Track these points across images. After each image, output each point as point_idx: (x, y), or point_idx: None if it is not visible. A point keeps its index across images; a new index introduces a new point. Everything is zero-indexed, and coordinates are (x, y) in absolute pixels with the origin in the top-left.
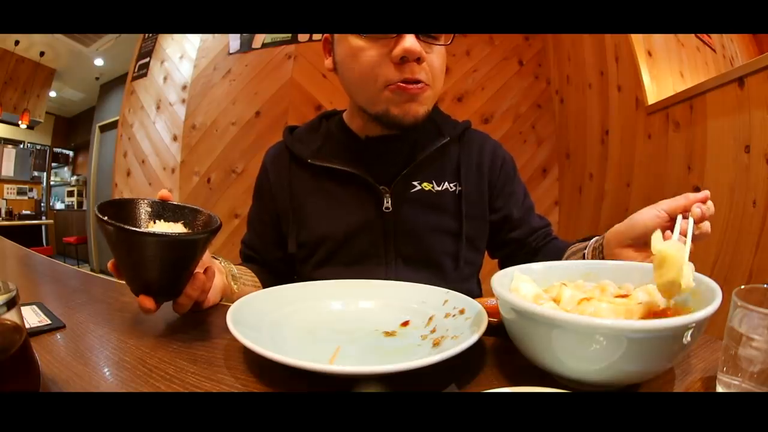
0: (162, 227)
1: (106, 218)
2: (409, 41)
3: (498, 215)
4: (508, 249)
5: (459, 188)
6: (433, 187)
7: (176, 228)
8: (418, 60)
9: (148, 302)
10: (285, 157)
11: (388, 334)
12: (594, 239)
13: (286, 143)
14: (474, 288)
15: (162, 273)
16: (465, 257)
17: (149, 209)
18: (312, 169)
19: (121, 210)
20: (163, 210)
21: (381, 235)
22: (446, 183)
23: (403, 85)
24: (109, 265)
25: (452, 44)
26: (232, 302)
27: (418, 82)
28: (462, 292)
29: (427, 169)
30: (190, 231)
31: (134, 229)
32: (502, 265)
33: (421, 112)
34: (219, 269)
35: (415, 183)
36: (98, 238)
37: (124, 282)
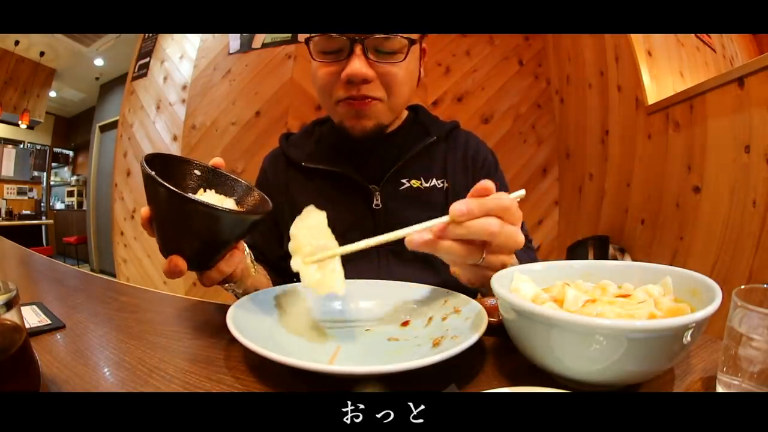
0: (212, 198)
1: (153, 174)
2: (354, 65)
3: None
4: None
5: (446, 184)
6: (421, 184)
7: (227, 203)
8: (365, 81)
9: (180, 263)
10: (282, 162)
11: (388, 334)
12: None
13: (282, 149)
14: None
15: (203, 245)
16: None
17: (199, 173)
18: (306, 172)
19: (168, 166)
20: (214, 178)
21: (371, 232)
22: (434, 180)
23: (350, 100)
24: (143, 218)
25: (452, 44)
26: (246, 286)
27: (365, 97)
28: (454, 288)
29: (415, 167)
30: (241, 209)
31: (187, 195)
32: None
33: (369, 125)
34: (243, 247)
35: (403, 180)
36: (98, 238)
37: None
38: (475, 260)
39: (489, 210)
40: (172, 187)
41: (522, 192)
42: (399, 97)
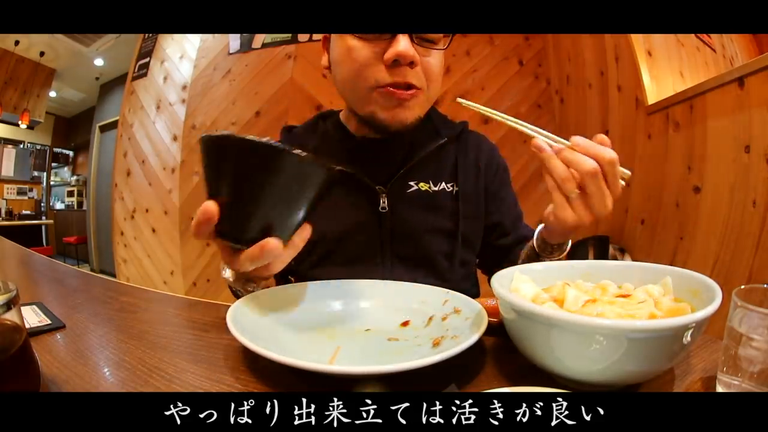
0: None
1: (243, 135)
2: (403, 44)
3: (490, 220)
4: (494, 254)
5: (455, 188)
6: (429, 187)
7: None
8: (411, 64)
9: (275, 243)
10: None
11: (388, 334)
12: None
13: (283, 143)
14: (471, 288)
15: (292, 209)
16: (461, 257)
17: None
18: None
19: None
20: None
21: (377, 235)
22: (443, 183)
23: (392, 89)
24: (206, 208)
25: (452, 44)
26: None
27: (409, 86)
28: (458, 292)
29: (424, 170)
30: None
31: (284, 147)
32: (483, 269)
33: (410, 118)
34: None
35: (411, 183)
36: (98, 238)
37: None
38: (569, 191)
39: (597, 154)
40: (266, 141)
41: (629, 172)
42: (435, 91)
